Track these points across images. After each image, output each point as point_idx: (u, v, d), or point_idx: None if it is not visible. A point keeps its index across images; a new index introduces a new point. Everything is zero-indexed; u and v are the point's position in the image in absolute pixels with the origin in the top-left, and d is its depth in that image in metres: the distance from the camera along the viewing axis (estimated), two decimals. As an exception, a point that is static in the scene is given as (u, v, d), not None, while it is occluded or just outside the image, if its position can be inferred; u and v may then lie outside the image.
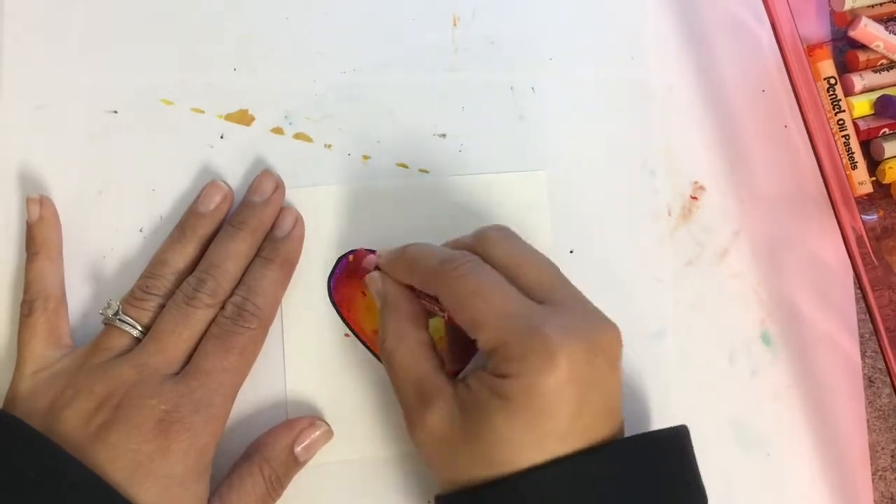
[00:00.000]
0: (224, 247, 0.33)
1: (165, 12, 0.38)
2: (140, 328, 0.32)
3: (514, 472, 0.27)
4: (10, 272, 0.35)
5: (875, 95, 0.40)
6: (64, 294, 0.34)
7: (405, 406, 0.31)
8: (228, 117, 0.37)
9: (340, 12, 0.39)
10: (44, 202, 0.34)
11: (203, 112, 0.37)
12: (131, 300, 0.33)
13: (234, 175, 0.37)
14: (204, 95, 0.37)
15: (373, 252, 0.35)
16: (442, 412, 0.29)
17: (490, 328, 0.28)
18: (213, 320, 0.32)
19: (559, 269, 0.31)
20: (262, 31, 0.38)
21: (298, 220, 0.36)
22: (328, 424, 0.35)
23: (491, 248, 0.31)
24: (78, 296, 0.35)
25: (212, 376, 0.31)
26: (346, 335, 0.36)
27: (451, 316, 0.31)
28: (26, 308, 0.33)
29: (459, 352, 0.34)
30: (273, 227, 0.35)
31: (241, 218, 0.34)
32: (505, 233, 0.32)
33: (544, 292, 0.29)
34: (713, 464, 0.38)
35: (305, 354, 0.36)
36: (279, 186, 0.36)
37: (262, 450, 0.33)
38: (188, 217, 0.35)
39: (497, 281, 0.29)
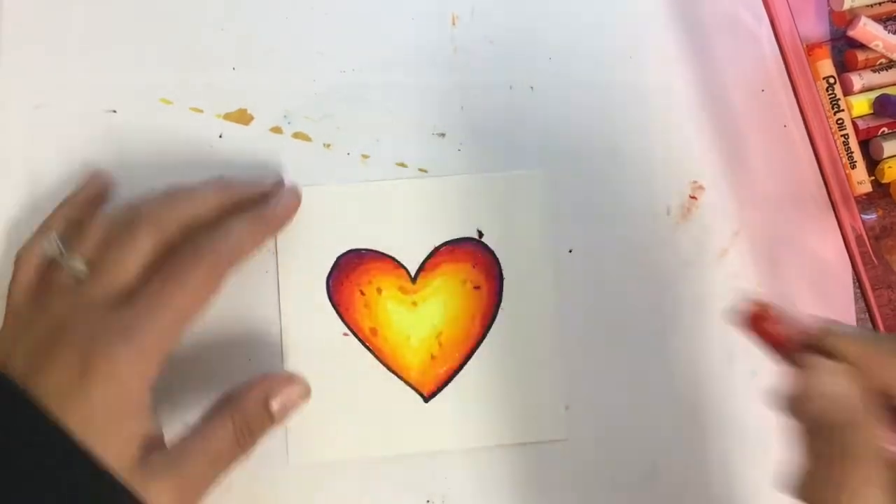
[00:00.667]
0: (187, 184, 0.32)
1: (165, 12, 0.38)
2: (84, 268, 0.30)
3: None
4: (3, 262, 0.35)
5: (874, 95, 0.40)
6: None
7: None
8: (227, 117, 0.37)
9: (340, 12, 0.39)
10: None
11: (202, 111, 0.37)
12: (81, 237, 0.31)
13: (234, 174, 0.37)
14: (203, 95, 0.37)
15: (375, 252, 0.35)
16: None
17: None
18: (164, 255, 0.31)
19: None
20: (261, 31, 0.38)
21: (291, 193, 0.35)
22: (306, 382, 0.33)
23: None
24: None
25: (148, 309, 0.29)
26: (345, 334, 0.36)
27: None
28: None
29: None
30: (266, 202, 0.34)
31: (229, 184, 0.34)
32: None
33: None
34: (713, 463, 0.38)
35: (304, 353, 0.36)
36: (280, 177, 0.36)
37: (234, 399, 0.31)
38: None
39: None
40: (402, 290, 0.37)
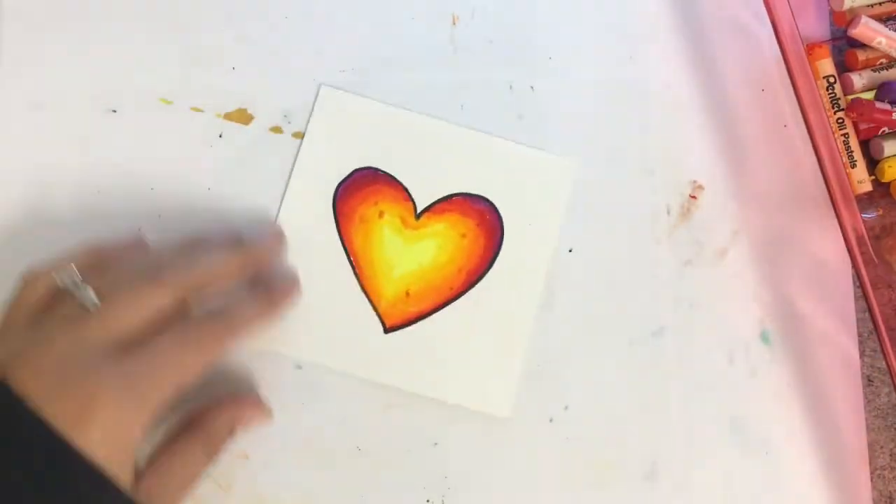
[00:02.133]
0: (214, 252, 0.33)
1: (165, 11, 0.38)
2: (95, 300, 0.30)
3: None
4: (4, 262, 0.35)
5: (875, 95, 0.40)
6: None
7: None
8: (227, 116, 0.37)
9: (340, 12, 0.39)
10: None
11: (202, 111, 0.37)
12: (91, 271, 0.31)
13: (233, 174, 0.37)
14: (203, 94, 0.37)
15: (391, 177, 0.37)
16: None
17: None
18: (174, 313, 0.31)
19: None
20: (261, 31, 0.38)
21: (296, 285, 0.36)
22: (269, 408, 0.35)
23: None
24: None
25: (152, 365, 0.29)
26: (333, 242, 0.37)
27: None
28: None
29: None
30: (275, 280, 0.35)
31: (242, 243, 0.34)
32: None
33: None
34: (713, 463, 0.38)
35: (292, 244, 0.37)
36: (282, 237, 0.36)
37: (203, 424, 0.33)
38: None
39: None
40: (404, 221, 0.37)
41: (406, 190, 0.37)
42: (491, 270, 0.37)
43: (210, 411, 0.33)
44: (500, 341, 0.37)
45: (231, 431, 0.33)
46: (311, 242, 0.37)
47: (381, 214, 0.37)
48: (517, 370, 0.37)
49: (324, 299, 0.37)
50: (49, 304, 0.30)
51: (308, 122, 0.38)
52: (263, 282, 0.35)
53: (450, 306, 0.37)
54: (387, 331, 0.37)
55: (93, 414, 0.27)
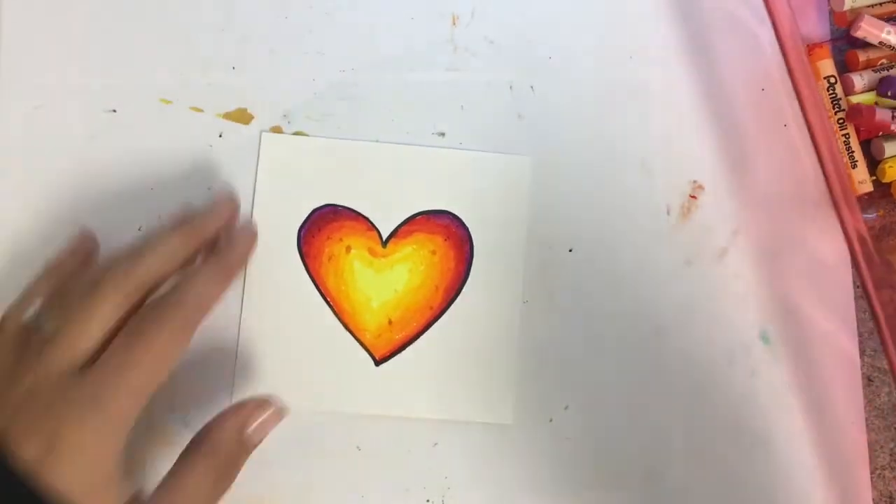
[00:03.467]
0: (151, 237, 0.31)
1: (165, 11, 0.38)
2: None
3: None
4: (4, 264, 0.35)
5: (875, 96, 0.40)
6: None
7: None
8: (227, 116, 0.37)
9: (340, 12, 0.39)
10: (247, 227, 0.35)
11: (202, 111, 0.37)
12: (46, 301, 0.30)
13: (233, 174, 0.37)
14: (203, 94, 0.37)
15: (351, 211, 0.37)
16: None
17: None
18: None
19: None
20: (261, 31, 0.38)
21: (247, 228, 0.35)
22: (280, 402, 0.32)
23: None
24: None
25: (114, 373, 0.27)
26: (307, 286, 0.37)
27: None
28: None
29: None
30: (224, 242, 0.34)
31: (180, 217, 0.33)
32: None
33: None
34: (713, 463, 0.38)
35: (263, 298, 0.36)
36: (233, 202, 0.35)
37: (209, 438, 0.30)
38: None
39: None
40: (372, 251, 0.37)
41: (368, 220, 0.37)
42: (468, 282, 0.37)
43: (214, 422, 0.31)
44: (492, 349, 0.37)
45: (240, 441, 0.31)
46: (283, 290, 0.36)
47: (348, 249, 0.37)
48: (514, 374, 0.37)
49: (309, 344, 0.36)
50: (26, 339, 0.29)
51: (256, 171, 0.37)
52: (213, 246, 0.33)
53: (434, 326, 0.37)
54: (378, 363, 0.36)
55: (60, 446, 0.26)
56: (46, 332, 0.29)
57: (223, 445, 0.30)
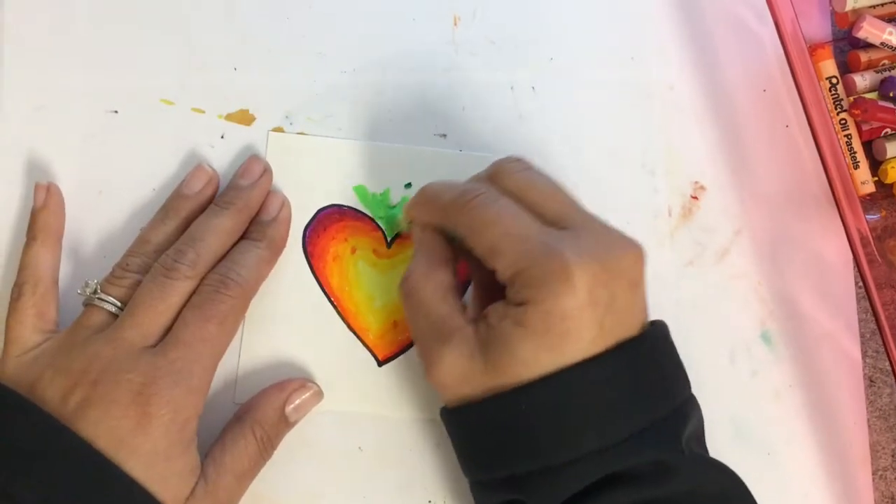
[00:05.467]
0: (207, 222, 0.33)
1: (166, 12, 0.38)
2: (118, 305, 0.31)
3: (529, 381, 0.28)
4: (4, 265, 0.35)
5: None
6: (55, 281, 0.34)
7: (423, 345, 0.31)
8: (229, 117, 0.37)
9: (340, 12, 0.39)
10: (51, 190, 0.35)
11: (203, 112, 0.37)
12: (111, 279, 0.32)
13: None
14: (204, 95, 0.37)
15: (357, 211, 0.37)
16: (461, 349, 0.29)
17: (508, 254, 0.28)
18: (193, 293, 0.32)
19: (576, 197, 0.31)
20: (262, 32, 0.38)
21: (285, 204, 0.36)
22: (318, 385, 0.35)
23: (506, 179, 0.31)
24: (77, 295, 0.35)
25: (191, 347, 0.30)
26: (312, 286, 0.36)
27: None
28: (15, 292, 0.33)
29: (484, 302, 0.32)
30: (260, 211, 0.35)
31: (226, 198, 0.34)
32: (520, 164, 0.32)
33: (561, 219, 0.30)
34: (713, 464, 0.38)
35: (267, 296, 0.36)
36: (266, 170, 0.36)
37: (253, 411, 0.33)
38: (172, 199, 0.35)
39: (513, 209, 0.29)
40: (376, 252, 0.37)
41: (373, 220, 0.37)
42: (471, 283, 0.37)
43: (260, 396, 0.34)
44: None
45: (282, 417, 0.33)
46: (288, 290, 0.36)
47: (353, 250, 0.37)
48: None
49: (313, 344, 0.36)
50: (82, 318, 0.32)
51: None
52: (254, 220, 0.35)
53: None
54: (381, 363, 0.36)
55: (147, 419, 0.28)
56: (109, 303, 0.31)
57: (268, 417, 0.33)
